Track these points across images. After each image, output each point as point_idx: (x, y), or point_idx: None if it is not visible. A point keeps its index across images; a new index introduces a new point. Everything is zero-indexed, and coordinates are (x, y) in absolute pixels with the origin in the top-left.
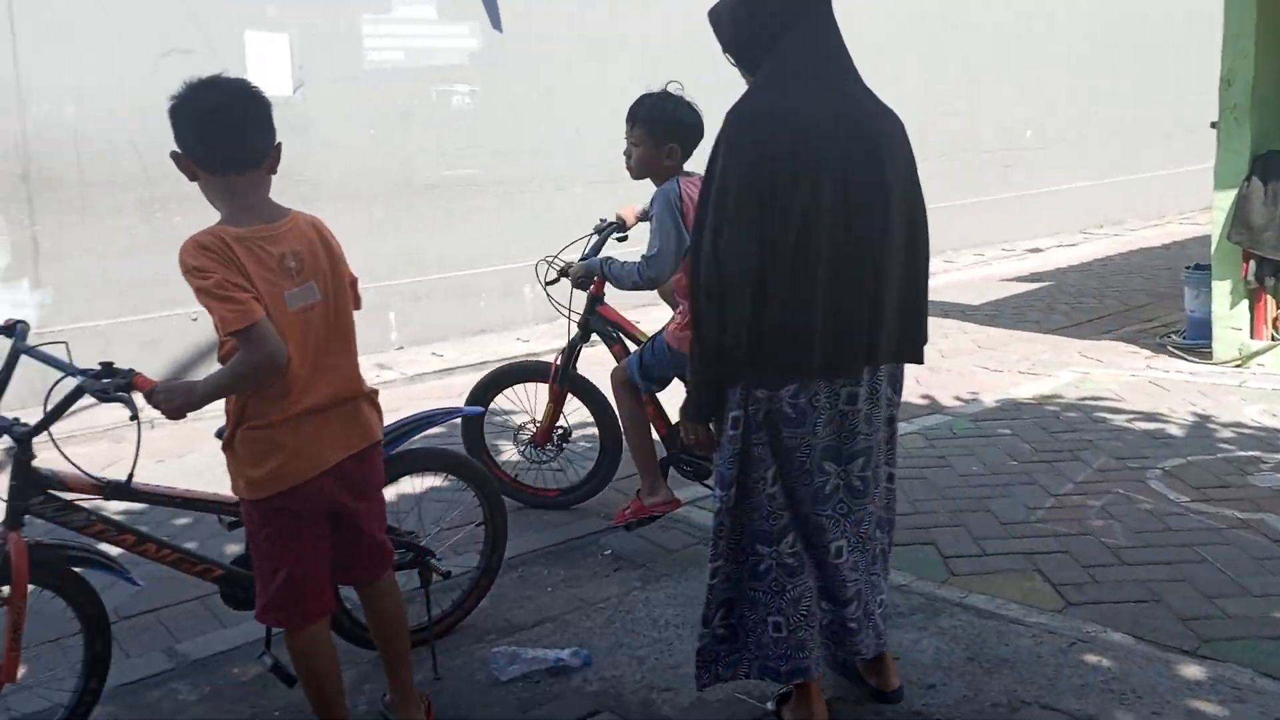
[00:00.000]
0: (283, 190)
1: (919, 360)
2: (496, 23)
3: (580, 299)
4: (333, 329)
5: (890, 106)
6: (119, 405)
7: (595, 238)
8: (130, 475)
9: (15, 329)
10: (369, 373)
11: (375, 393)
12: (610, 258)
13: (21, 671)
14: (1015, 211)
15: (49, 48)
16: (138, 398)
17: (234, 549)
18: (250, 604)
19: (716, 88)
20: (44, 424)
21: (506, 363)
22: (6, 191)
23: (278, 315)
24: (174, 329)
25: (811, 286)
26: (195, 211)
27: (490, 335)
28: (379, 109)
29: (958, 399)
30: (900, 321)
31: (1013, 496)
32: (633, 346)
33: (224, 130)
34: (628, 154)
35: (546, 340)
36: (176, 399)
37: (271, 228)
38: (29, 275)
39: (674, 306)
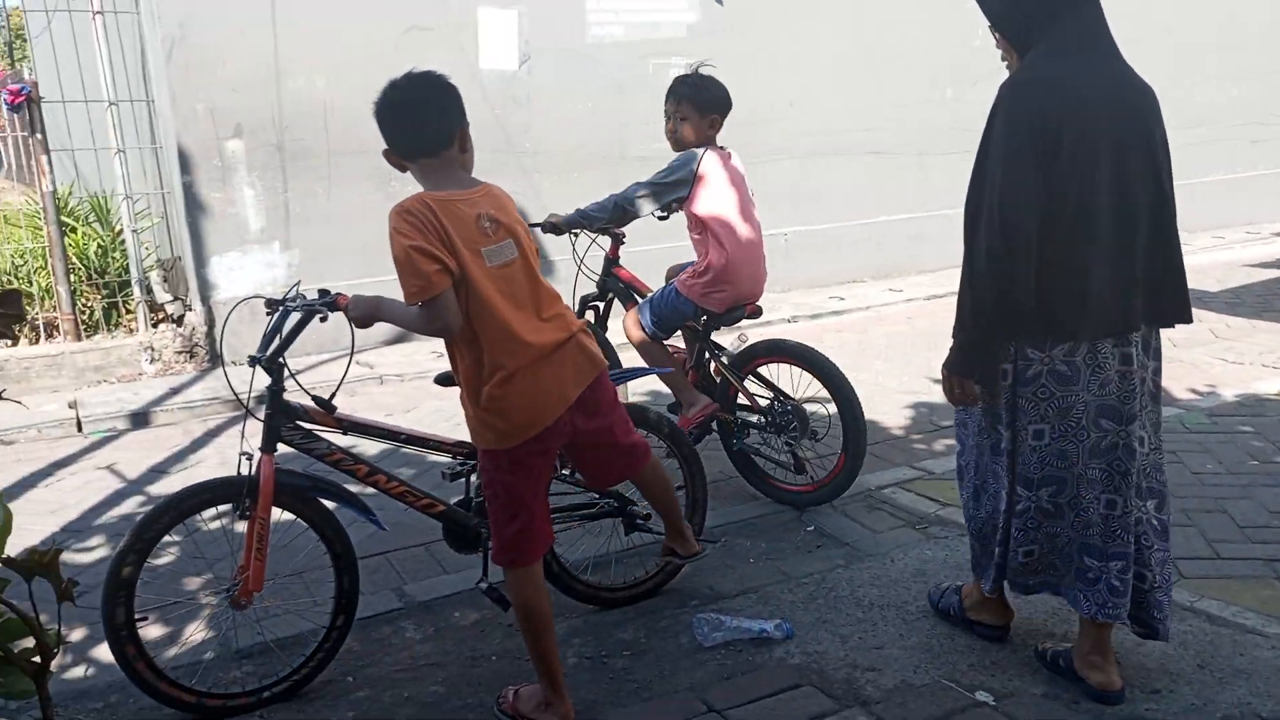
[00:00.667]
0: (506, 161)
1: (1173, 322)
2: None
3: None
4: (536, 281)
5: (1147, 82)
6: (360, 366)
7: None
8: (333, 394)
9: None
10: None
11: (585, 326)
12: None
13: (274, 599)
14: (1261, 190)
15: (305, 25)
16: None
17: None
18: (467, 545)
19: (943, 51)
20: (280, 348)
21: None
22: (264, 160)
23: (477, 270)
24: (400, 291)
25: (1088, 250)
26: None
27: None
28: (597, 82)
29: (1192, 391)
30: (1160, 286)
31: (1253, 499)
32: None
33: (403, 122)
34: (674, 129)
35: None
36: (360, 309)
37: (466, 193)
38: (280, 238)
39: None
